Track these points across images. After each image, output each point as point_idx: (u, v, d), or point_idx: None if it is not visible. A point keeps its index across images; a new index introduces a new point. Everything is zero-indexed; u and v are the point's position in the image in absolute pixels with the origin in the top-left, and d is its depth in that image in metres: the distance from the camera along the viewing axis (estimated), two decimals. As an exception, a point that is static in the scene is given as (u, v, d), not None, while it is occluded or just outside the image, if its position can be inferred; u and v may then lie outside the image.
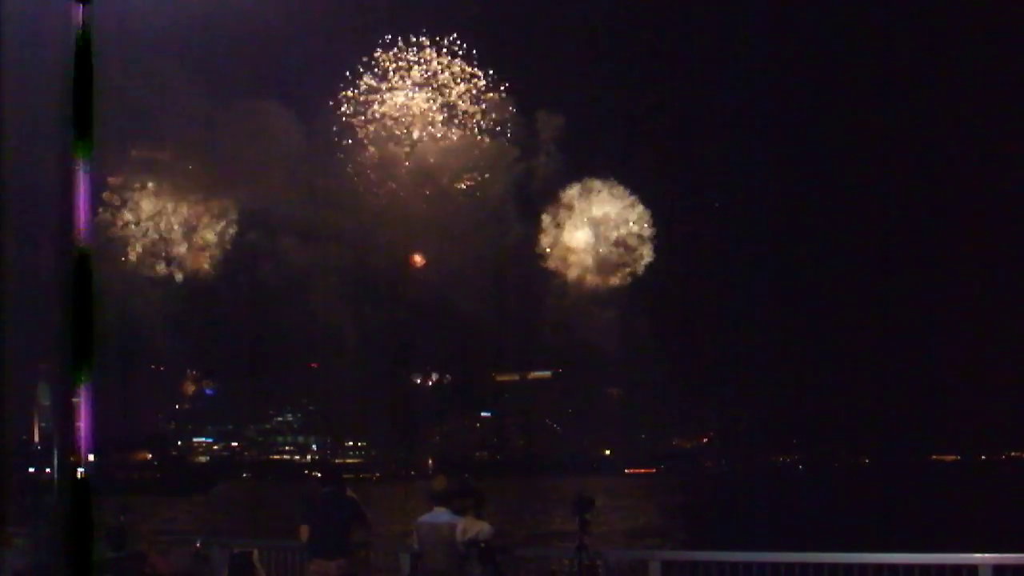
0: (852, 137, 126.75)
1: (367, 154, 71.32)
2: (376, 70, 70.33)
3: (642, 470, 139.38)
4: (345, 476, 12.28)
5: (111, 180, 69.54)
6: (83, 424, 4.46)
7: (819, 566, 9.92)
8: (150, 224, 69.04)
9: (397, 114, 71.20)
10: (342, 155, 69.39)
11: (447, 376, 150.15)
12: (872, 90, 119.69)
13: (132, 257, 68.76)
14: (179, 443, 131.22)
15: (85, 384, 4.47)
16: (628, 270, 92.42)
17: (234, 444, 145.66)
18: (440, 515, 9.38)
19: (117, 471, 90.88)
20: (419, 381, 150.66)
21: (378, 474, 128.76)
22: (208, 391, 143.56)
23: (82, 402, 4.49)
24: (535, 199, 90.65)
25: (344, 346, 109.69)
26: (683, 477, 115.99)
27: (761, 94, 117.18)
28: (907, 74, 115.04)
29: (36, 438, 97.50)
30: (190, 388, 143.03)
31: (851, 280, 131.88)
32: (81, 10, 4.61)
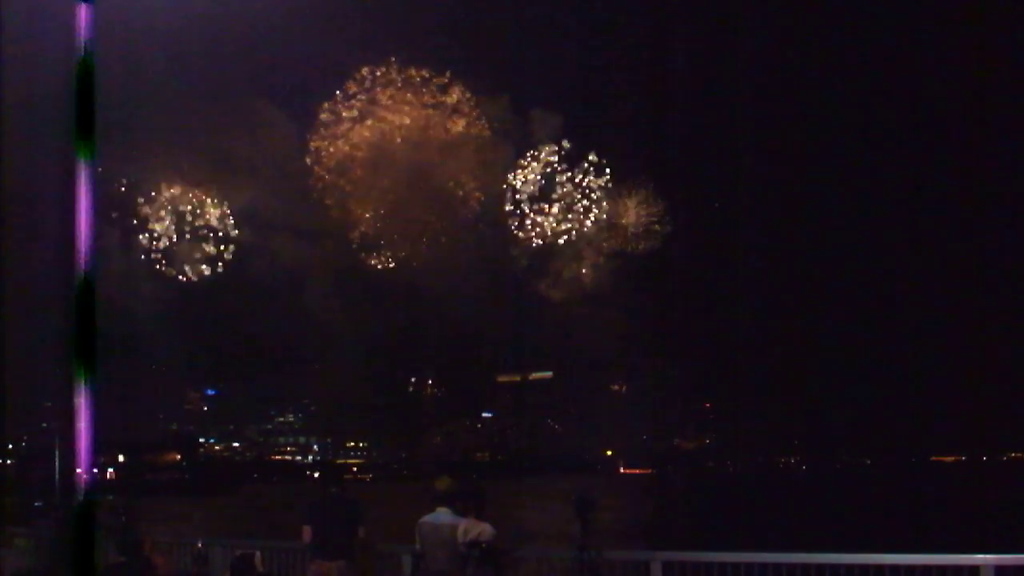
0: (853, 137, 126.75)
1: (359, 153, 71.35)
2: (366, 82, 70.50)
3: (637, 471, 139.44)
4: (345, 477, 12.32)
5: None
6: (84, 427, 4.45)
7: (820, 567, 9.93)
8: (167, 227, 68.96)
9: (390, 125, 71.34)
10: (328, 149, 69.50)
11: (448, 378, 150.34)
12: (879, 90, 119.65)
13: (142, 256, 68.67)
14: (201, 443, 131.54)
15: (87, 386, 4.46)
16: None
17: (235, 444, 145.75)
18: (442, 515, 9.39)
19: (146, 472, 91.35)
20: (417, 381, 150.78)
21: (371, 475, 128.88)
22: (210, 391, 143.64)
23: (83, 404, 4.49)
24: (532, 199, 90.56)
25: (344, 346, 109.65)
26: (685, 477, 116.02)
27: (762, 92, 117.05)
28: (918, 71, 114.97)
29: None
30: (191, 389, 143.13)
31: (853, 280, 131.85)
32: (84, 10, 4.61)
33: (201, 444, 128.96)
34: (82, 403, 4.50)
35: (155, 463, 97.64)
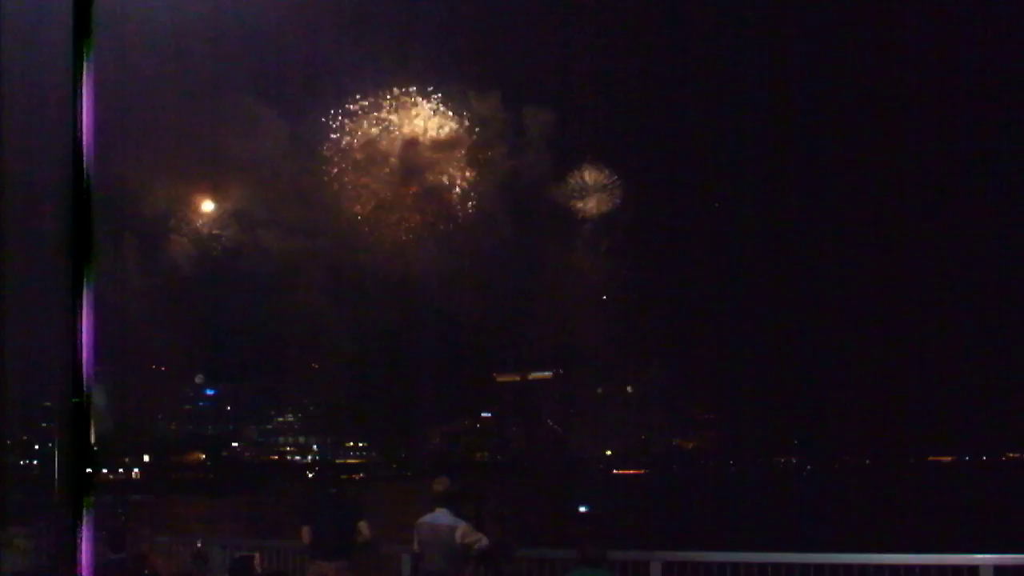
0: (851, 133, 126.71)
1: (351, 151, 71.25)
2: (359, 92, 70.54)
3: (630, 471, 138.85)
4: (342, 477, 12.34)
5: None
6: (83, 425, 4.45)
7: (820, 567, 9.93)
8: None
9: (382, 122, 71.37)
10: (326, 151, 69.25)
11: (447, 377, 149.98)
12: (873, 89, 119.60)
13: None
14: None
15: (88, 383, 4.47)
16: None
17: (234, 444, 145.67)
18: (441, 516, 9.38)
19: (171, 472, 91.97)
20: (418, 382, 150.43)
21: (362, 474, 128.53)
22: (209, 391, 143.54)
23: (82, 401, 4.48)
24: (524, 197, 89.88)
25: (342, 346, 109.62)
26: (684, 477, 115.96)
27: (757, 90, 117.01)
28: (910, 71, 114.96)
29: (92, 439, 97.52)
30: (190, 388, 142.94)
31: (853, 279, 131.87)
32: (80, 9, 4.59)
33: (229, 445, 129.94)
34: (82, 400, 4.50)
35: (180, 463, 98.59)
